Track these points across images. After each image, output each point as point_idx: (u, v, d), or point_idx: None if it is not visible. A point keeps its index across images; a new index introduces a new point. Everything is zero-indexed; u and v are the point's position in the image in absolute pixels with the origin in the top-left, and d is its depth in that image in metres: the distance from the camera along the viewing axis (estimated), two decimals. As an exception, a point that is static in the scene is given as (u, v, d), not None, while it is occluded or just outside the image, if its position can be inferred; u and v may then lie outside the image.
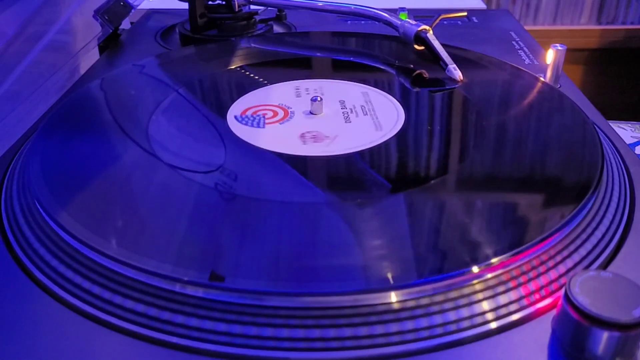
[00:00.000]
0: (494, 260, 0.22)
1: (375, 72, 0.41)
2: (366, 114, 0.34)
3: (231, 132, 0.32)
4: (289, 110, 0.35)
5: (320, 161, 0.30)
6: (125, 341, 0.21)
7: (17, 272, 0.24)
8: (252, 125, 0.33)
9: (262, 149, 0.31)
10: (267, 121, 0.33)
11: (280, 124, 0.33)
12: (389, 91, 0.37)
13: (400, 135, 0.32)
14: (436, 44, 0.41)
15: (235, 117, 0.33)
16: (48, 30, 0.45)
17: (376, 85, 0.38)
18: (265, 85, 0.39)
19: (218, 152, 0.31)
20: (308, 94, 0.37)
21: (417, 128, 0.33)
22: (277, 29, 0.55)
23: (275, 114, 0.34)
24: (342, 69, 0.42)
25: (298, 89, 0.38)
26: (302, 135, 0.32)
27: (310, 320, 0.21)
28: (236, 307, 0.21)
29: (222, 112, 0.35)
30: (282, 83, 0.39)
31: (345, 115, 0.34)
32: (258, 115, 0.34)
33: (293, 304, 0.21)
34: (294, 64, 0.44)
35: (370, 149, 0.30)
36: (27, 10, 0.42)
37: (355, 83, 0.39)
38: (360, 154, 0.30)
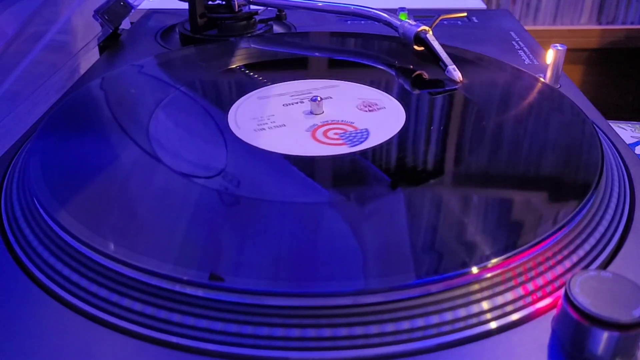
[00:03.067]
0: (494, 260, 0.22)
1: (375, 72, 0.41)
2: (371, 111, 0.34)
3: (230, 131, 0.33)
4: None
5: (320, 161, 0.30)
6: (125, 341, 0.21)
7: (17, 272, 0.24)
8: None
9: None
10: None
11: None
12: (389, 91, 0.37)
13: (400, 136, 0.32)
14: (436, 44, 0.41)
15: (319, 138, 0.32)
16: (48, 30, 0.45)
17: (375, 84, 0.38)
18: (266, 84, 0.39)
19: (218, 152, 0.31)
20: (326, 94, 0.37)
21: (416, 128, 0.33)
22: (277, 29, 0.55)
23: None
24: (342, 69, 0.42)
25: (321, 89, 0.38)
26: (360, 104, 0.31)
27: (309, 320, 0.21)
28: (236, 307, 0.21)
29: (223, 111, 0.35)
30: (310, 80, 0.39)
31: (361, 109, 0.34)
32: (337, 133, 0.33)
33: (292, 303, 0.21)
34: (293, 64, 0.44)
35: (370, 149, 0.30)
36: (27, 10, 0.42)
37: (354, 83, 0.39)
38: (361, 153, 0.30)
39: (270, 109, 0.35)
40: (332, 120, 0.34)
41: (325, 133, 0.32)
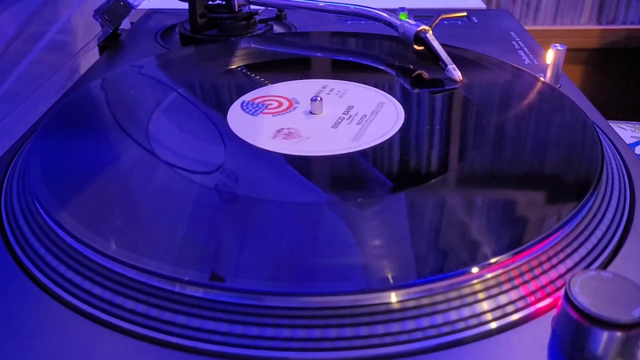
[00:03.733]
0: (494, 260, 0.22)
1: (375, 72, 0.41)
2: (359, 123, 0.33)
3: (231, 131, 0.32)
4: (294, 104, 0.35)
5: (321, 161, 0.30)
6: (125, 341, 0.21)
7: (17, 272, 0.24)
8: (248, 113, 0.33)
9: (244, 140, 0.31)
10: (264, 111, 0.33)
11: (273, 116, 0.33)
12: (389, 91, 0.37)
13: (400, 135, 0.32)
14: (435, 44, 0.41)
15: (242, 104, 0.34)
16: (48, 30, 0.45)
17: (376, 85, 0.38)
18: (266, 85, 0.39)
19: (218, 152, 0.31)
20: (329, 94, 0.37)
21: (416, 128, 0.33)
22: (277, 29, 0.55)
23: (280, 104, 0.34)
24: (342, 69, 0.42)
25: (325, 88, 0.38)
26: (279, 131, 0.32)
27: (310, 320, 0.21)
28: (236, 307, 0.21)
29: (222, 111, 0.35)
30: (311, 80, 0.39)
31: (339, 120, 0.34)
32: (263, 104, 0.34)
33: (293, 304, 0.21)
34: (293, 64, 0.44)
35: (370, 149, 0.30)
36: (27, 10, 0.42)
37: (354, 83, 0.39)
38: (362, 153, 0.30)
39: (277, 100, 0.35)
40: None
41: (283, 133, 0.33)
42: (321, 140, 0.31)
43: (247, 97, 0.35)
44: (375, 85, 0.38)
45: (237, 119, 0.33)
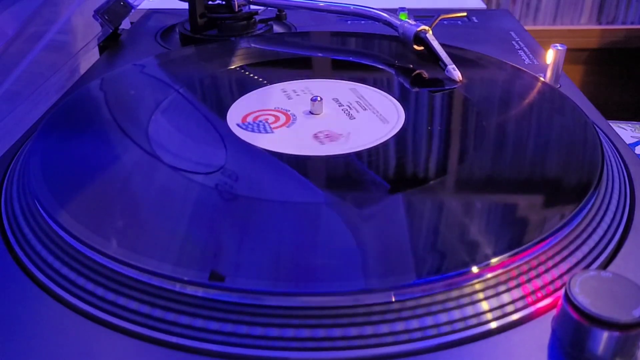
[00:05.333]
0: (494, 260, 0.22)
1: (375, 72, 0.41)
2: (365, 109, 0.34)
3: (231, 132, 0.32)
4: (289, 114, 0.35)
5: (320, 161, 0.30)
6: (125, 341, 0.21)
7: (17, 272, 0.24)
8: (259, 132, 0.32)
9: (277, 152, 0.30)
10: (272, 126, 0.33)
11: (287, 127, 0.33)
12: (389, 91, 0.37)
13: (400, 136, 0.32)
14: (435, 44, 0.41)
15: (239, 125, 0.33)
16: (48, 30, 0.45)
17: (375, 85, 0.38)
18: (265, 85, 0.39)
19: (218, 152, 0.31)
20: (298, 95, 0.37)
21: (417, 128, 0.33)
22: (277, 29, 0.55)
23: (277, 118, 0.34)
24: (342, 69, 0.42)
25: (286, 92, 0.38)
26: (316, 136, 0.32)
27: (310, 320, 0.21)
28: (236, 306, 0.21)
29: (222, 111, 0.35)
30: (269, 86, 0.39)
31: (347, 112, 0.34)
32: (260, 121, 0.34)
33: (293, 303, 0.21)
34: (294, 63, 0.44)
35: (369, 150, 0.30)
36: (27, 10, 0.42)
37: (354, 83, 0.39)
38: (359, 154, 0.30)
39: (270, 114, 0.35)
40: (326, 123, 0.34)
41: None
42: (361, 132, 0.32)
43: (236, 114, 0.34)
44: (375, 85, 0.38)
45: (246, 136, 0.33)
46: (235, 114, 0.34)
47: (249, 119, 0.34)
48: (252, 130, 0.33)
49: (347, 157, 0.30)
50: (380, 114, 0.34)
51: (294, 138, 0.32)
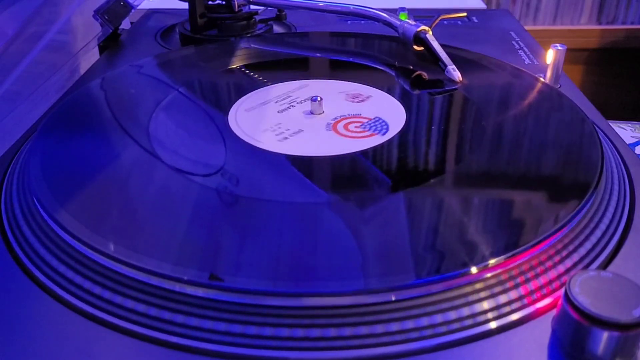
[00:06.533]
0: (494, 260, 0.22)
1: (375, 72, 0.41)
2: (367, 101, 0.34)
3: (230, 131, 0.32)
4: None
5: (321, 161, 0.30)
6: (125, 341, 0.21)
7: (17, 272, 0.24)
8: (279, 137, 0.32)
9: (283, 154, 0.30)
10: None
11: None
12: (389, 91, 0.37)
13: (401, 136, 0.32)
14: (435, 44, 0.41)
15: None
16: (48, 30, 0.45)
17: (375, 85, 0.38)
18: (266, 84, 0.39)
19: (218, 151, 0.31)
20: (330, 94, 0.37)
21: (417, 128, 0.33)
22: (277, 29, 0.55)
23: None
24: (342, 70, 0.42)
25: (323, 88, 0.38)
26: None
27: (310, 320, 0.21)
28: (236, 306, 0.21)
29: (222, 111, 0.35)
30: (311, 80, 0.39)
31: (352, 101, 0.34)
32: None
33: (293, 303, 0.21)
34: (293, 64, 0.44)
35: (370, 149, 0.30)
36: (27, 10, 0.42)
37: (355, 83, 0.39)
38: (361, 153, 0.30)
39: (270, 109, 0.35)
40: (342, 116, 0.34)
41: (346, 127, 0.32)
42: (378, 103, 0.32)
43: (247, 121, 0.34)
44: (375, 85, 0.38)
45: (242, 120, 0.33)
46: (241, 124, 0.34)
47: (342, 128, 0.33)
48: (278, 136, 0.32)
49: (352, 155, 0.30)
50: (382, 111, 0.34)
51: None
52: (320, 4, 0.48)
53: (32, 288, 0.23)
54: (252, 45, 0.46)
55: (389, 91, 0.37)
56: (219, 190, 0.27)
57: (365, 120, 0.33)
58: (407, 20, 0.43)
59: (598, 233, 0.25)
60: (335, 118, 0.34)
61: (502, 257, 0.22)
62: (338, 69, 0.42)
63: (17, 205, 0.28)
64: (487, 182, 0.28)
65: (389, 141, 0.31)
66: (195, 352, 0.20)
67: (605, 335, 0.18)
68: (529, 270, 0.23)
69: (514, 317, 0.21)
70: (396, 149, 0.31)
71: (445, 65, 0.39)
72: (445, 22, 0.52)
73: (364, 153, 0.30)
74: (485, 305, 0.21)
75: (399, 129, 0.32)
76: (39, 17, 0.44)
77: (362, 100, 0.36)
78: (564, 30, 1.08)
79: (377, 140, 0.31)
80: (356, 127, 0.32)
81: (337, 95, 0.37)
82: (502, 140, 0.31)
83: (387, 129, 0.32)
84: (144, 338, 0.21)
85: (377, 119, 0.32)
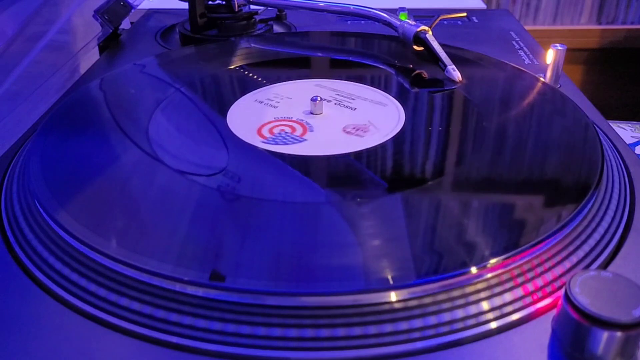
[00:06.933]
0: (494, 260, 0.22)
1: (375, 72, 0.41)
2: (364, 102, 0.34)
3: (230, 132, 0.32)
4: (303, 123, 0.34)
5: (320, 160, 0.30)
6: (125, 341, 0.21)
7: (17, 272, 0.24)
8: (287, 143, 0.31)
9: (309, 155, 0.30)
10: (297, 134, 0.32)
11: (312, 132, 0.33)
12: (389, 91, 0.37)
13: (401, 136, 0.32)
14: (435, 44, 0.41)
15: (264, 142, 0.31)
16: (48, 30, 0.45)
17: (374, 84, 0.38)
18: (266, 84, 0.39)
19: (218, 151, 0.31)
20: (329, 94, 0.37)
21: (417, 129, 0.33)
22: (277, 29, 0.55)
23: (293, 128, 0.33)
24: (342, 69, 0.42)
25: (322, 87, 0.38)
26: (346, 130, 0.32)
27: (310, 320, 0.21)
28: (236, 306, 0.21)
29: (222, 111, 0.35)
30: (310, 80, 0.39)
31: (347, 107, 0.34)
32: (282, 133, 0.32)
33: (293, 303, 0.21)
34: (294, 63, 0.44)
35: (369, 150, 0.30)
36: (27, 10, 0.42)
37: (354, 83, 0.39)
38: (359, 154, 0.30)
39: (270, 109, 0.35)
40: (341, 116, 0.34)
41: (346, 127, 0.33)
42: (380, 121, 0.33)
43: (243, 126, 0.33)
44: (375, 85, 0.38)
45: (240, 120, 0.33)
46: (241, 124, 0.33)
47: (266, 133, 0.32)
48: (282, 143, 0.31)
49: (354, 155, 0.30)
50: (381, 111, 0.34)
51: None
52: (320, 4, 0.48)
53: (32, 288, 0.23)
54: (252, 45, 0.46)
55: (387, 90, 0.37)
56: (219, 190, 0.27)
57: (361, 123, 0.33)
58: (407, 20, 0.43)
59: (598, 233, 0.25)
60: (335, 118, 0.34)
61: (502, 257, 0.22)
62: (338, 69, 0.42)
63: (17, 205, 0.28)
64: (487, 182, 0.28)
65: (389, 141, 0.31)
66: (195, 352, 0.20)
67: (605, 335, 0.18)
68: (529, 270, 0.23)
69: (514, 317, 0.21)
70: (398, 149, 0.31)
71: (445, 65, 0.39)
72: (445, 22, 0.52)
73: (364, 152, 0.30)
74: (486, 305, 0.21)
75: (399, 129, 0.32)
76: (39, 17, 0.44)
77: (361, 101, 0.36)
78: (564, 30, 1.08)
79: (377, 140, 0.31)
80: (354, 128, 0.32)
81: (337, 95, 0.37)
82: (503, 140, 0.31)
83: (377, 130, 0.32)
84: (144, 338, 0.21)
85: (372, 120, 0.32)
